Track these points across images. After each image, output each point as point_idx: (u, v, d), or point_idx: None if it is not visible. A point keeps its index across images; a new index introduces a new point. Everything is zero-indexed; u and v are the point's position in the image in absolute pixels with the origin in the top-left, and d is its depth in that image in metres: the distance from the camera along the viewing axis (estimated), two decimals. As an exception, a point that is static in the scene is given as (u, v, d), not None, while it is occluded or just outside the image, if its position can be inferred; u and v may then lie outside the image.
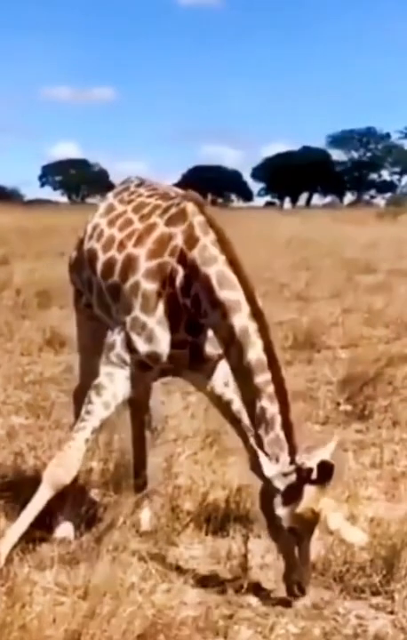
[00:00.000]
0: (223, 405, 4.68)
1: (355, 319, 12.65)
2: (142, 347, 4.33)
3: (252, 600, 4.17)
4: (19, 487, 5.24)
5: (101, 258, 4.66)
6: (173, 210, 4.45)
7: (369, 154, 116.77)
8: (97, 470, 5.76)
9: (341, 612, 4.12)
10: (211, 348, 4.43)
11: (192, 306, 4.28)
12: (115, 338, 4.41)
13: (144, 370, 4.40)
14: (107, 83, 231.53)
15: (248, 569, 4.43)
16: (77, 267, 5.01)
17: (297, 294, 15.23)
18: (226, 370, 4.46)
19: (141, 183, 4.99)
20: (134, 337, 4.33)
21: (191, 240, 4.30)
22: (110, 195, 5.06)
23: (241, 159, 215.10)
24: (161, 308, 4.32)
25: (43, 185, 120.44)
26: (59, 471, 4.31)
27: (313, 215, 52.47)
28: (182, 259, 4.30)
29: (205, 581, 4.34)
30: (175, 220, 4.40)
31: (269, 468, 4.04)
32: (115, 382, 4.36)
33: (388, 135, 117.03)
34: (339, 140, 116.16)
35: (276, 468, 4.04)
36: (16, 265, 17.98)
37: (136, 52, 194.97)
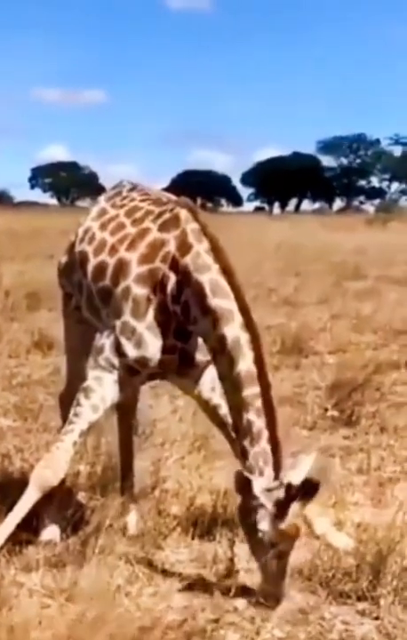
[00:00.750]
0: (210, 410, 4.70)
1: (344, 325, 12.68)
2: (131, 351, 4.32)
3: (239, 604, 4.17)
4: (6, 489, 5.22)
5: (92, 261, 4.66)
6: (167, 215, 4.46)
7: (358, 160, 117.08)
8: (84, 473, 5.76)
9: (327, 617, 4.13)
10: (200, 354, 4.44)
11: (181, 313, 4.28)
12: (104, 342, 4.40)
13: (132, 374, 4.40)
14: (98, 85, 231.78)
15: (234, 573, 4.43)
16: (67, 270, 5.01)
17: (285, 299, 15.26)
18: (213, 375, 4.46)
19: (134, 188, 5.00)
20: (124, 341, 4.33)
21: (184, 247, 4.30)
22: (102, 198, 5.06)
23: (231, 164, 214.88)
24: (151, 313, 4.32)
25: (33, 187, 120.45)
26: (47, 473, 4.30)
27: (302, 221, 52.53)
28: (174, 265, 4.30)
29: (191, 585, 4.34)
30: (168, 225, 4.40)
31: (258, 484, 4.02)
32: (103, 386, 4.36)
33: (378, 141, 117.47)
34: (329, 146, 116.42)
35: (263, 484, 4.03)
36: (5, 267, 17.92)
37: (127, 54, 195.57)
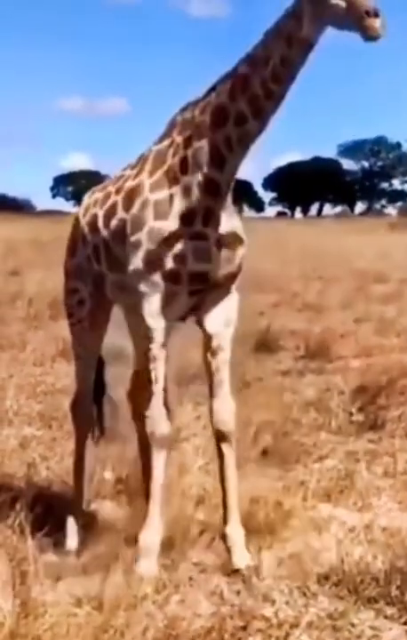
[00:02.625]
0: (212, 348, 4.60)
1: (367, 329, 12.65)
2: (165, 252, 4.31)
3: (266, 611, 4.15)
4: (32, 498, 5.24)
5: (101, 213, 4.72)
6: (165, 129, 4.53)
7: (379, 163, 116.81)
8: (110, 481, 5.76)
9: (355, 623, 4.09)
10: (234, 240, 4.44)
11: (213, 160, 4.27)
12: (137, 265, 4.39)
13: (175, 281, 4.35)
14: (120, 94, 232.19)
15: (261, 580, 4.41)
16: (76, 268, 5.03)
17: (309, 304, 15.23)
18: (234, 306, 4.56)
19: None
20: (155, 248, 4.32)
21: (189, 121, 4.36)
22: (86, 195, 5.09)
23: (251, 169, 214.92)
24: (176, 207, 4.33)
25: (54, 196, 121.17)
26: (157, 427, 4.45)
27: (324, 225, 52.44)
28: (189, 138, 4.33)
29: (218, 592, 4.32)
30: (168, 131, 4.49)
31: None
32: (157, 316, 4.38)
33: (399, 144, 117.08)
34: (349, 150, 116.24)
35: None
36: (28, 276, 18.04)
37: (148, 62, 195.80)
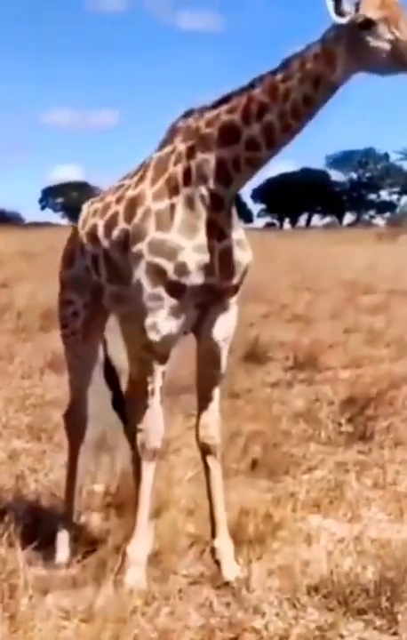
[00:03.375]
0: (207, 362, 4.58)
1: (356, 339, 12.67)
2: (167, 263, 4.25)
3: (256, 623, 4.14)
4: (20, 510, 5.23)
5: (101, 223, 4.66)
6: (165, 135, 4.50)
7: (368, 174, 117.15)
8: (99, 493, 5.75)
9: (345, 634, 4.09)
10: (240, 251, 4.39)
11: (218, 176, 4.24)
12: (140, 278, 4.31)
13: (180, 295, 4.28)
14: (110, 106, 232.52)
15: (251, 592, 4.41)
16: (72, 279, 5.00)
17: (298, 315, 15.25)
18: (233, 320, 4.52)
19: None
20: (157, 260, 4.26)
21: (193, 131, 4.31)
22: (85, 205, 5.06)
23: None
24: (178, 218, 4.28)
25: (43, 208, 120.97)
26: (150, 439, 4.43)
27: (312, 236, 52.56)
28: (193, 148, 4.29)
29: (208, 604, 4.32)
30: (170, 137, 4.44)
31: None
32: (161, 330, 4.31)
33: (387, 156, 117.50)
34: (338, 161, 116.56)
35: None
36: (17, 288, 18.01)
37: (138, 75, 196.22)
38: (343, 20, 3.93)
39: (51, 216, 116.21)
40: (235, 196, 4.38)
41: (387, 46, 3.87)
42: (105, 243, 4.62)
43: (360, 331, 13.41)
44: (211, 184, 4.26)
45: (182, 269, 4.26)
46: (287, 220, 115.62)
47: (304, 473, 6.58)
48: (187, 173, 4.30)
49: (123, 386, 5.29)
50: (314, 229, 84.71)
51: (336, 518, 5.64)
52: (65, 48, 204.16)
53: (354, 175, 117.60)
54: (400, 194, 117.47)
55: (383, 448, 7.27)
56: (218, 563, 4.58)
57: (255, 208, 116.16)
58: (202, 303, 4.41)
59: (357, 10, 3.92)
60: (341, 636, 4.08)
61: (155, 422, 4.45)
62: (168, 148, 4.42)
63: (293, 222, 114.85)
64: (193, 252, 4.26)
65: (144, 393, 4.48)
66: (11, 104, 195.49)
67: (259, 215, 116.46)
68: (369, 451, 7.25)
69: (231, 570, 4.54)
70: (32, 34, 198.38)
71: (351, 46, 3.94)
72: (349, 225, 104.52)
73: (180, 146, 4.36)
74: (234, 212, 4.42)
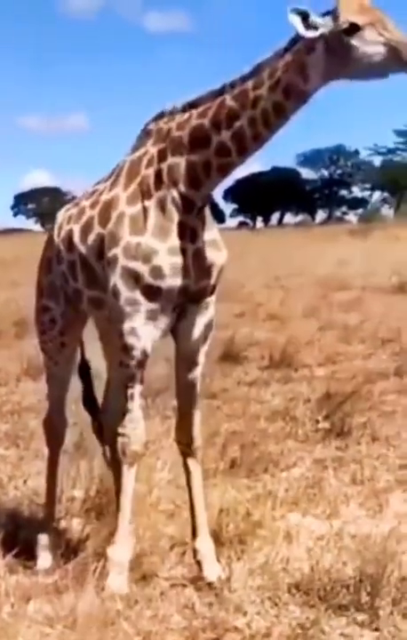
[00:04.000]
0: (186, 364, 4.60)
1: (331, 336, 12.72)
2: (141, 267, 4.25)
3: (238, 622, 4.15)
4: (0, 518, 5.23)
5: (76, 228, 4.64)
6: (138, 138, 4.49)
7: (339, 171, 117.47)
8: (79, 498, 5.75)
9: (327, 631, 4.11)
10: (214, 251, 4.41)
11: (189, 179, 4.26)
12: (115, 283, 4.31)
13: (156, 298, 4.28)
14: (78, 111, 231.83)
15: (232, 591, 4.42)
16: (49, 287, 4.99)
17: (272, 314, 15.28)
18: (210, 320, 4.56)
19: None
20: (132, 264, 4.26)
21: (165, 134, 4.32)
22: (60, 212, 5.03)
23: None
24: (151, 221, 4.29)
25: (16, 214, 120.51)
26: (132, 444, 4.42)
27: (285, 234, 52.68)
28: (164, 151, 4.30)
29: (190, 606, 4.33)
30: (143, 140, 4.43)
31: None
32: (139, 334, 4.31)
33: (357, 152, 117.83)
34: (308, 159, 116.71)
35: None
36: (-9, 295, 17.95)
37: (107, 78, 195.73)
38: (315, 34, 3.91)
39: (23, 222, 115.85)
40: (207, 198, 4.40)
41: (380, 49, 3.86)
42: (81, 248, 4.61)
43: (335, 328, 13.46)
44: (182, 187, 4.27)
45: (157, 273, 4.26)
46: (259, 219, 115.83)
47: (282, 471, 6.61)
48: (158, 176, 4.31)
49: (99, 389, 5.31)
50: (286, 227, 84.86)
51: (315, 515, 5.67)
52: (33, 51, 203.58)
53: (325, 172, 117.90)
54: (371, 190, 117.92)
55: (360, 444, 7.31)
56: (199, 563, 4.59)
57: (227, 208, 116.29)
58: (179, 305, 4.42)
59: (335, 19, 3.91)
60: (323, 633, 4.10)
61: (135, 427, 4.45)
62: (140, 151, 4.43)
63: (266, 221, 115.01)
64: (167, 254, 4.27)
65: (124, 397, 4.48)
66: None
67: (231, 215, 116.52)
68: (346, 447, 7.29)
69: (212, 570, 4.56)
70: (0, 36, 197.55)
71: (332, 54, 3.93)
72: (322, 222, 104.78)
73: (152, 149, 4.37)
74: (207, 212, 4.44)
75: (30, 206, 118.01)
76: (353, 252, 28.81)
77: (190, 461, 4.66)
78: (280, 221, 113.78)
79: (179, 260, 4.29)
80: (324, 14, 3.94)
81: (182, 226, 4.30)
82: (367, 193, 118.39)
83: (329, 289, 18.65)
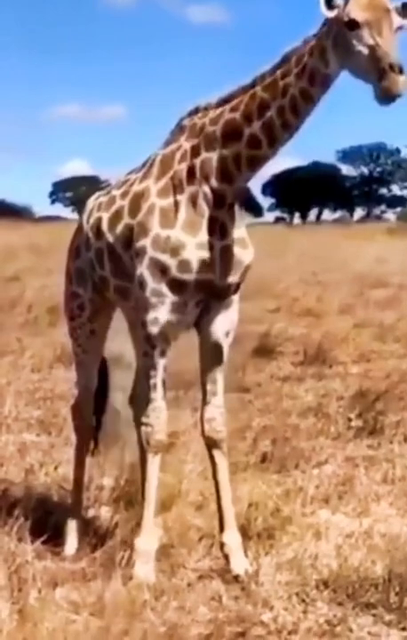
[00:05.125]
0: (210, 357, 4.59)
1: (367, 334, 12.64)
2: (169, 260, 4.28)
3: (265, 617, 4.14)
4: (30, 504, 5.24)
5: (105, 216, 4.67)
6: (172, 133, 4.52)
7: (379, 169, 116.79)
8: (108, 487, 5.75)
9: (354, 629, 4.08)
10: (241, 249, 4.42)
11: (221, 174, 4.27)
12: (142, 273, 4.34)
13: (182, 291, 4.32)
14: (117, 100, 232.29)
15: (260, 585, 4.40)
16: (77, 273, 5.00)
17: (308, 309, 15.22)
18: (235, 316, 4.53)
19: None
20: (160, 256, 4.29)
21: (199, 129, 4.34)
22: (91, 199, 5.05)
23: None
24: (182, 215, 4.31)
25: (53, 202, 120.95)
26: (153, 433, 4.43)
27: (323, 230, 52.48)
28: (198, 147, 4.31)
29: (217, 598, 4.32)
30: (177, 136, 4.45)
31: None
32: (163, 324, 4.34)
33: (398, 150, 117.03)
34: (348, 155, 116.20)
35: None
36: (27, 281, 18.05)
37: (147, 69, 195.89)
38: (332, 14, 3.92)
39: (61, 210, 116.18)
40: (238, 194, 4.40)
41: (366, 51, 3.86)
42: (109, 236, 4.64)
43: (370, 325, 13.38)
44: (214, 182, 4.29)
45: (185, 266, 4.29)
46: (297, 215, 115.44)
47: (313, 467, 6.57)
48: (191, 172, 4.33)
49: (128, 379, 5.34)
50: (324, 224, 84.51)
51: (345, 513, 5.64)
52: (74, 43, 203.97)
53: (364, 170, 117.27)
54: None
55: (392, 443, 7.25)
56: (226, 557, 4.58)
57: (265, 202, 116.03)
58: (203, 300, 4.44)
59: (346, 4, 3.90)
60: (350, 631, 4.08)
61: (158, 416, 4.46)
62: (174, 146, 4.44)
63: (303, 217, 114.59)
64: (195, 249, 4.29)
65: (148, 388, 4.49)
66: (21, 99, 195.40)
67: (269, 209, 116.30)
68: (378, 445, 7.24)
69: (240, 564, 4.55)
70: (40, 30, 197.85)
71: (337, 42, 3.96)
72: (360, 220, 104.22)
73: (185, 144, 4.39)
74: (236, 210, 4.44)
75: (68, 194, 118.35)
76: (391, 251, 28.67)
77: (216, 453, 4.65)
78: (318, 217, 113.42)
79: (207, 254, 4.31)
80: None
81: (212, 221, 4.32)
82: (406, 192, 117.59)
83: (365, 286, 18.55)
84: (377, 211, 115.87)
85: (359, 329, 13.07)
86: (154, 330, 4.36)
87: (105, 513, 5.46)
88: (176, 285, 4.30)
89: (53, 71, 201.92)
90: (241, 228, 4.45)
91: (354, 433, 7.53)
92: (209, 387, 4.63)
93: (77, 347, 5.17)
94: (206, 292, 4.40)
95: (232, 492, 5.52)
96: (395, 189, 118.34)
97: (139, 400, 4.99)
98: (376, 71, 3.81)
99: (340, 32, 3.92)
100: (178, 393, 8.10)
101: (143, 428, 4.50)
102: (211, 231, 4.31)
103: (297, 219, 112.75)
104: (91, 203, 4.95)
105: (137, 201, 4.46)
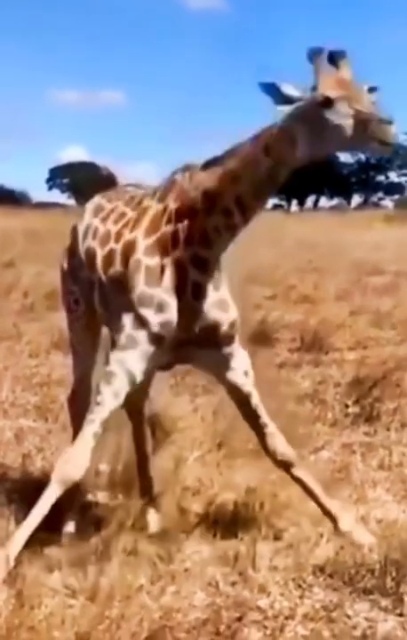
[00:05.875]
0: (242, 397, 4.69)
1: (363, 321, 12.63)
2: (153, 317, 4.33)
3: (261, 602, 4.16)
4: (27, 490, 5.24)
5: (100, 252, 4.70)
6: (164, 185, 4.53)
7: (376, 156, 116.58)
8: (105, 472, 5.75)
9: (351, 614, 4.10)
10: (218, 310, 4.46)
11: (200, 241, 4.31)
12: (124, 320, 4.40)
13: (157, 345, 4.36)
14: (116, 86, 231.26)
15: (257, 571, 4.42)
16: (72, 272, 5.07)
17: (304, 296, 15.20)
18: (246, 359, 4.59)
19: (128, 185, 5.14)
20: (143, 311, 4.34)
21: (183, 192, 4.37)
22: (96, 197, 5.11)
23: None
24: (167, 278, 4.35)
25: (50, 188, 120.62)
26: (68, 468, 4.30)
27: (320, 217, 52.42)
28: (181, 211, 4.34)
29: (214, 584, 4.33)
30: (166, 191, 4.47)
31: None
32: (125, 367, 4.35)
33: (396, 137, 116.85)
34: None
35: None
36: (24, 267, 18.00)
37: (145, 54, 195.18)
38: (288, 108, 4.06)
39: (58, 196, 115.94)
40: (220, 256, 4.46)
41: (350, 121, 3.97)
42: (101, 274, 4.70)
43: (367, 312, 13.37)
44: (197, 247, 4.34)
45: (166, 325, 4.36)
46: (294, 202, 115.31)
47: (310, 454, 6.57)
48: (175, 236, 4.38)
49: None
50: (321, 211, 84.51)
51: (342, 499, 5.63)
52: (70, 28, 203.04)
53: (362, 157, 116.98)
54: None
55: (389, 430, 7.26)
56: (354, 543, 4.63)
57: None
58: (181, 353, 4.52)
59: (313, 93, 4.03)
60: (347, 616, 4.09)
61: (82, 452, 4.33)
62: (162, 205, 4.47)
63: (301, 204, 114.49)
64: (177, 310, 4.35)
65: (85, 420, 4.43)
66: (19, 85, 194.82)
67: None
68: (375, 432, 7.24)
69: (366, 538, 4.66)
70: (37, 15, 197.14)
71: (312, 126, 4.07)
72: (357, 207, 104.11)
73: (172, 205, 4.43)
74: (218, 273, 4.48)
75: (65, 180, 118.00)
76: (388, 238, 28.66)
77: (295, 470, 4.78)
78: (315, 205, 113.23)
79: (187, 316, 4.38)
80: (312, 87, 4.07)
81: (195, 285, 4.38)
82: (404, 179, 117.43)
83: (363, 273, 18.53)
84: (374, 198, 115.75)
85: (356, 316, 13.05)
86: (116, 368, 4.36)
87: (101, 498, 5.46)
88: (153, 339, 4.36)
89: (51, 56, 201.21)
90: (222, 290, 4.51)
91: (350, 420, 7.53)
92: (257, 421, 4.74)
93: (74, 337, 5.21)
94: (181, 348, 4.48)
95: (229, 479, 5.56)
96: (393, 176, 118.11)
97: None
98: (364, 134, 3.98)
99: (315, 115, 4.02)
100: (176, 379, 8.11)
101: (60, 461, 4.37)
102: (194, 294, 4.38)
103: (294, 206, 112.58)
104: (89, 212, 5.00)
105: (126, 251, 4.51)
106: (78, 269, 4.97)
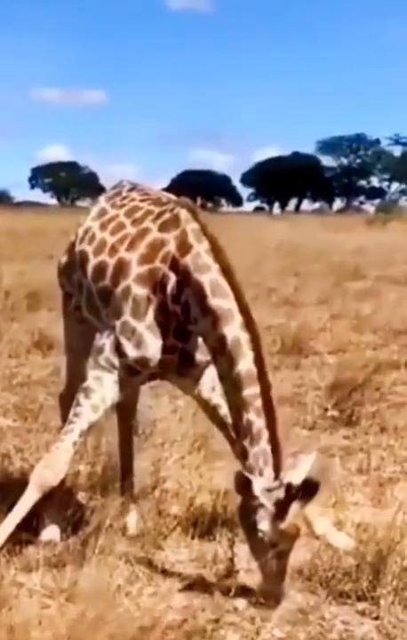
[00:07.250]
0: (210, 409, 4.71)
1: (344, 325, 12.68)
2: (131, 352, 4.33)
3: (239, 604, 4.17)
4: (6, 489, 5.23)
5: (92, 261, 4.67)
6: (167, 215, 4.45)
7: (358, 160, 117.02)
8: (84, 473, 5.76)
9: (327, 617, 4.13)
10: (201, 354, 4.44)
11: (181, 313, 4.28)
12: (104, 342, 4.41)
13: (132, 374, 4.40)
14: (98, 85, 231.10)
15: (234, 573, 4.43)
16: (67, 270, 5.02)
17: (285, 299, 15.25)
18: (213, 374, 4.46)
19: (133, 187, 4.99)
20: (124, 341, 4.33)
21: (184, 247, 4.30)
22: (102, 198, 5.06)
23: (230, 164, 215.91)
24: (151, 313, 4.32)
25: (32, 187, 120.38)
26: (47, 473, 4.30)
27: (302, 220, 52.53)
28: (174, 265, 4.30)
29: (192, 585, 4.34)
30: (168, 225, 4.40)
31: (258, 484, 4.02)
32: (103, 385, 4.36)
33: (378, 141, 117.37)
34: (329, 146, 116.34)
35: (263, 484, 4.03)
36: (5, 267, 17.92)
37: (127, 54, 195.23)
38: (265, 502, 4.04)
39: (40, 196, 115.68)
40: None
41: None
42: (90, 281, 4.68)
43: (347, 316, 13.43)
44: (181, 316, 4.31)
45: (142, 362, 4.36)
46: (276, 205, 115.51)
47: (289, 457, 6.58)
48: (163, 281, 4.32)
49: None
50: (303, 214, 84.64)
51: (320, 503, 5.65)
52: (53, 26, 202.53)
53: (344, 161, 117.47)
54: (390, 180, 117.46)
55: (368, 434, 7.30)
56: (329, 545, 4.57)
57: (245, 192, 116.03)
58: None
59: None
60: (323, 619, 4.12)
61: (62, 461, 4.34)
62: (161, 236, 4.40)
63: (283, 207, 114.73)
64: (158, 350, 4.34)
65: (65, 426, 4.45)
66: (0, 83, 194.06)
67: (248, 199, 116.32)
68: (354, 436, 7.28)
69: (341, 540, 4.52)
70: (19, 13, 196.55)
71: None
72: (339, 211, 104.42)
73: (171, 246, 4.36)
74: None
75: (47, 180, 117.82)
76: (369, 242, 28.75)
77: None
78: (297, 208, 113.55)
79: (167, 357, 4.38)
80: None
81: (178, 326, 4.34)
82: (385, 183, 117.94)
83: (343, 277, 18.59)
84: (356, 202, 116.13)
85: (336, 320, 13.10)
86: (93, 385, 4.37)
87: (81, 499, 5.46)
88: (129, 369, 4.38)
89: (32, 54, 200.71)
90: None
91: (330, 423, 7.57)
92: (227, 430, 4.64)
93: (68, 334, 5.20)
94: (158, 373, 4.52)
95: (208, 481, 5.57)
96: (375, 181, 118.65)
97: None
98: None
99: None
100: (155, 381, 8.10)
101: (38, 467, 4.37)
102: (176, 336, 4.35)
103: (276, 209, 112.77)
104: (92, 215, 4.93)
105: (118, 272, 4.46)
106: (73, 268, 4.94)
